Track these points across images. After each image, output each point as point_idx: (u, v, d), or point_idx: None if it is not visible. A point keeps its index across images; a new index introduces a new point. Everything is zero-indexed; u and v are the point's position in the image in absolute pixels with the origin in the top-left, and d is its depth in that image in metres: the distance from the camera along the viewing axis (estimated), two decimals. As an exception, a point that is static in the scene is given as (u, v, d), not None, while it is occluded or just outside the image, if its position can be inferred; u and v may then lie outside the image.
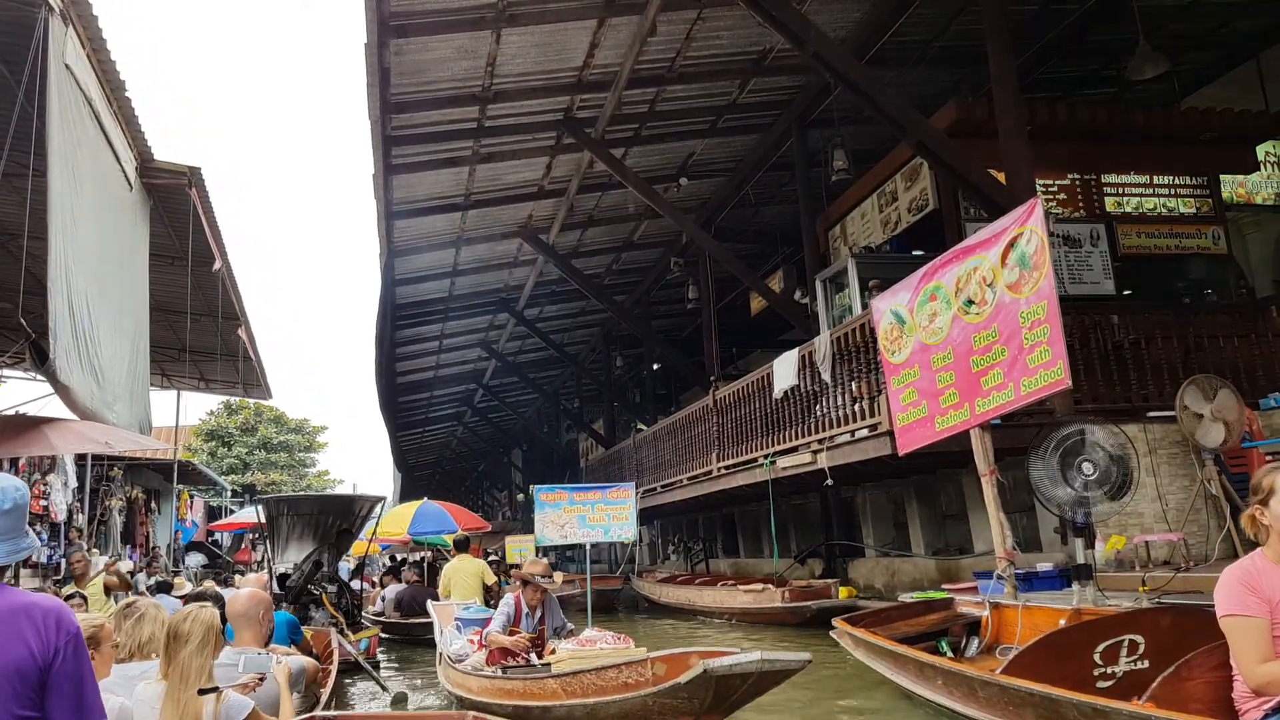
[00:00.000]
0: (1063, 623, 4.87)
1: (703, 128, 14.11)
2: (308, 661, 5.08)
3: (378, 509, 13.24)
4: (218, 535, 33.36)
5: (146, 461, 25.40)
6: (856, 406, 9.30)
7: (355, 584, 20.04)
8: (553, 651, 6.47)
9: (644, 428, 19.84)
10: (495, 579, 13.70)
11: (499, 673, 6.40)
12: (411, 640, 12.83)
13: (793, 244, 16.88)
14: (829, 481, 9.78)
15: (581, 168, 14.24)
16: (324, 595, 10.65)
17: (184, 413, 24.85)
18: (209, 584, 15.38)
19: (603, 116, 12.73)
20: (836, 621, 5.50)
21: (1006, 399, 5.90)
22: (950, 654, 5.38)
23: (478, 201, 14.96)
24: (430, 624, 12.64)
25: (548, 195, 15.34)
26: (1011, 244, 5.89)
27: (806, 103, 13.35)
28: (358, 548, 22.43)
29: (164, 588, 15.94)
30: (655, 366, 24.90)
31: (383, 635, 13.18)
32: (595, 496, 9.65)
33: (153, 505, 26.97)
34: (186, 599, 6.70)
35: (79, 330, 8.22)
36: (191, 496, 31.32)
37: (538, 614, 7.13)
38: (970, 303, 6.21)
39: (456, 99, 11.58)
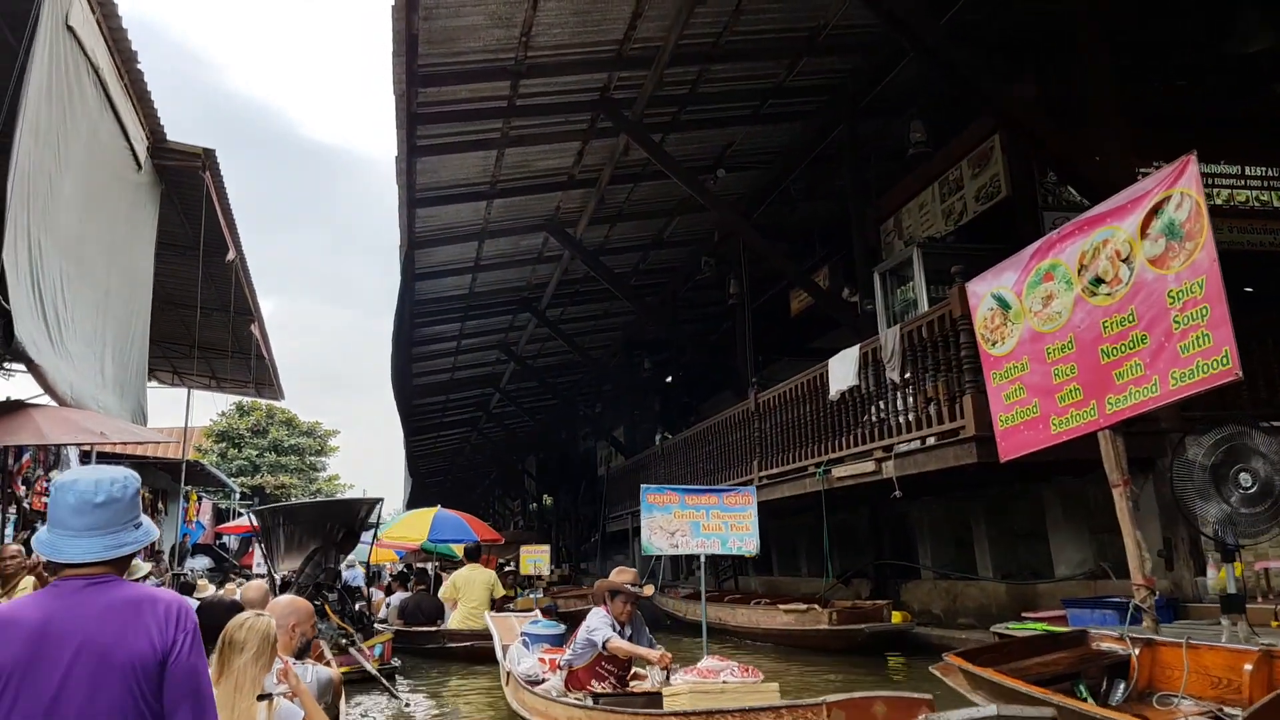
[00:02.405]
0: (1248, 668, 3.91)
1: (745, 113, 13.22)
2: (334, 673, 4.84)
3: (377, 511, 12.55)
4: (225, 538, 32.59)
5: (154, 460, 24.77)
6: (931, 409, 8.33)
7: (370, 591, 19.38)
8: (635, 676, 5.49)
9: (668, 435, 18.89)
10: (504, 591, 12.94)
11: (589, 701, 5.45)
12: (415, 649, 12.27)
13: (833, 243, 16.00)
14: (897, 493, 8.81)
15: (615, 155, 13.35)
16: (325, 604, 9.81)
17: (197, 413, 24.14)
18: (231, 588, 14.58)
19: (641, 97, 11.85)
20: (949, 656, 4.54)
21: (1149, 395, 4.94)
22: (1090, 700, 4.44)
23: (504, 190, 14.08)
24: (434, 633, 12.31)
25: (578, 185, 14.45)
26: (1155, 211, 4.96)
27: (858, 87, 12.47)
28: (377, 555, 21.77)
29: (186, 590, 15.19)
30: (680, 373, 24.05)
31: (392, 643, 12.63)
32: (710, 501, 8.56)
33: (160, 506, 26.24)
34: (201, 604, 5.95)
35: (47, 312, 7.42)
36: (200, 498, 30.54)
37: (627, 631, 6.15)
38: (1099, 281, 5.26)
39: (487, 72, 10.70)
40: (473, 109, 11.51)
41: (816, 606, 11.27)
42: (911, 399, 8.77)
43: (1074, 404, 5.43)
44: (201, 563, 27.25)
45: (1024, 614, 8.19)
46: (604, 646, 5.81)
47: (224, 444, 45.91)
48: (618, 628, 6.04)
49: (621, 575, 6.20)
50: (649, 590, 6.41)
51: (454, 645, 11.77)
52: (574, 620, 8.48)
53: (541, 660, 6.92)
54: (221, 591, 13.77)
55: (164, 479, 25.63)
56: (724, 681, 4.97)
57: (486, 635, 11.54)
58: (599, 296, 20.36)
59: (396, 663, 10.43)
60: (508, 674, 7.14)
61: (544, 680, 6.57)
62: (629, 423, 24.79)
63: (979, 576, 10.49)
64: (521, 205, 15.01)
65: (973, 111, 10.90)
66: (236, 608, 4.44)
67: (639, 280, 19.38)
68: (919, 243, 10.27)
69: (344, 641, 8.86)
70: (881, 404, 9.33)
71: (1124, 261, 5.11)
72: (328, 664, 5.64)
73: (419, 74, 10.30)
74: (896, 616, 10.83)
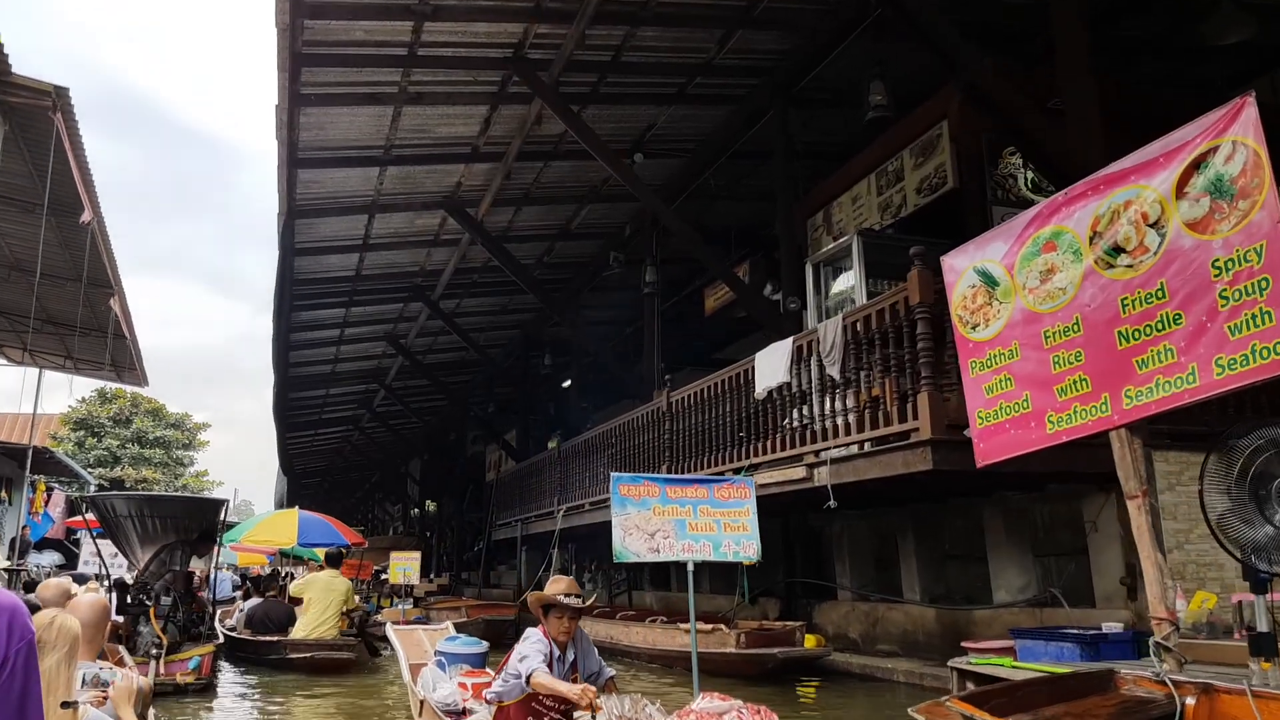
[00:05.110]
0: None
1: (670, 91, 12.22)
2: (144, 680, 4.62)
3: (223, 512, 11.62)
4: (79, 533, 30.03)
5: (-5, 444, 22.51)
6: (879, 410, 7.40)
7: (236, 595, 17.97)
8: (592, 708, 4.30)
9: (555, 443, 17.76)
10: (356, 601, 12.18)
11: None
12: (259, 660, 11.37)
13: (752, 244, 15.19)
14: (831, 503, 7.85)
15: (526, 125, 12.17)
16: (152, 609, 8.54)
17: (60, 399, 22.06)
18: (94, 586, 13.11)
19: (559, 59, 10.73)
20: (952, 701, 3.52)
21: (1184, 386, 4.04)
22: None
23: (400, 157, 12.74)
24: (275, 643, 11.15)
25: (482, 158, 13.19)
26: (1196, 165, 4.08)
27: (791, 72, 11.60)
28: (244, 559, 20.16)
29: (29, 588, 13.39)
30: (579, 377, 22.93)
31: (237, 653, 11.96)
32: (698, 494, 6.79)
33: (2, 495, 23.78)
34: None
35: None
36: (50, 489, 27.94)
37: (570, 655, 4.98)
38: (1117, 251, 4.36)
39: (387, 8, 9.43)
40: (368, 54, 10.20)
41: (723, 627, 10.30)
42: (853, 398, 7.83)
43: (1079, 397, 4.51)
44: (49, 559, 24.80)
45: (963, 644, 7.31)
46: (527, 682, 4.59)
47: (82, 432, 42.51)
48: (556, 652, 4.85)
49: (555, 585, 4.98)
50: (591, 602, 5.19)
51: (294, 656, 10.72)
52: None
53: (462, 685, 5.68)
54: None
55: (8, 465, 23.25)
56: None
57: (332, 646, 10.85)
58: (498, 289, 19.11)
59: (220, 677, 9.77)
60: (420, 702, 5.89)
61: (466, 711, 5.36)
62: (522, 427, 23.49)
63: (904, 599, 9.63)
64: (419, 177, 13.68)
65: (918, 97, 10.15)
66: (34, 608, 3.76)
67: (543, 274, 18.15)
68: (860, 231, 9.41)
69: (154, 652, 7.69)
70: (816, 403, 8.36)
71: (1152, 226, 4.22)
72: (129, 669, 5.19)
73: (306, 2, 8.97)
74: (810, 640, 9.95)
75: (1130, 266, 4.31)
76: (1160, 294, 4.18)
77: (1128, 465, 4.32)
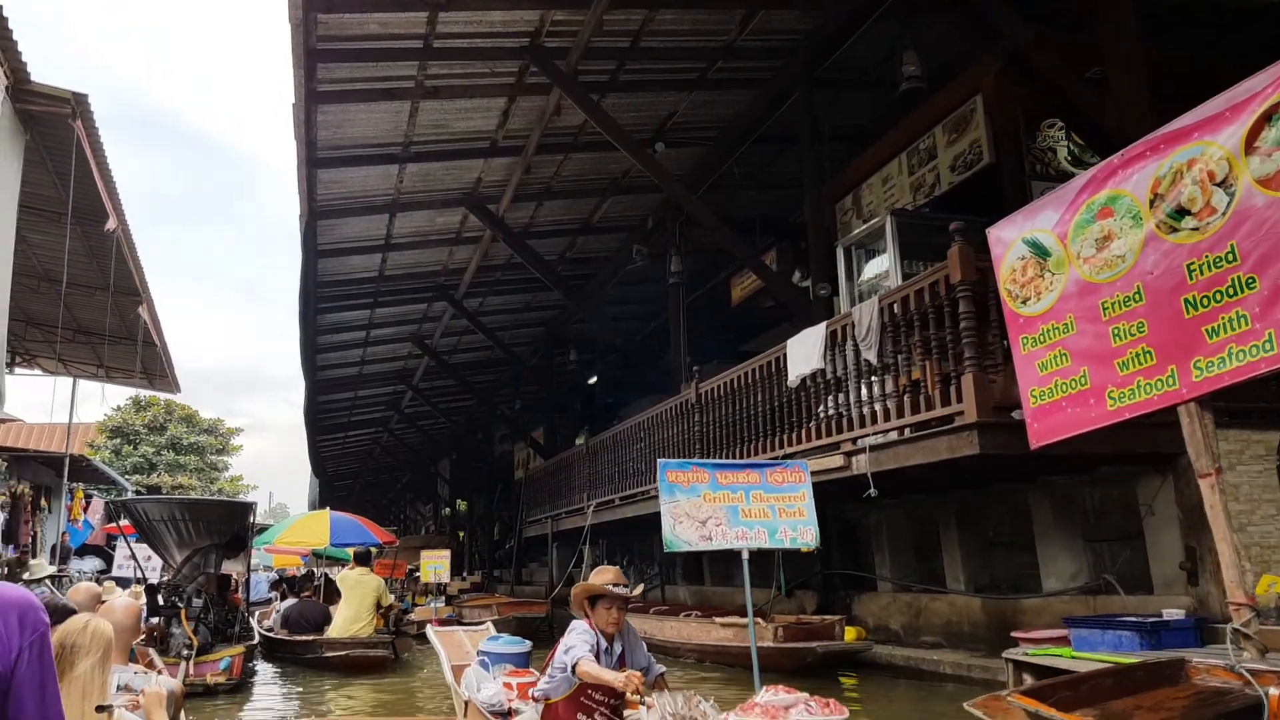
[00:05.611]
0: None
1: (691, 76, 11.97)
2: (175, 684, 4.62)
3: (250, 516, 11.68)
4: (118, 539, 30.33)
5: (35, 454, 22.65)
6: (920, 394, 7.12)
7: (273, 596, 18.10)
8: (640, 705, 4.12)
9: (583, 439, 17.58)
10: (391, 599, 12.12)
11: None
12: (296, 660, 11.47)
13: (777, 232, 14.88)
14: (872, 492, 7.57)
15: (545, 117, 11.95)
16: (184, 611, 8.53)
17: (92, 407, 22.25)
18: (136, 590, 13.25)
19: (577, 46, 10.51)
20: (1014, 696, 3.25)
21: (1260, 354, 3.76)
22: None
23: (419, 154, 12.57)
24: (311, 643, 11.19)
25: (502, 152, 13.00)
26: (1267, 118, 3.79)
27: (813, 52, 11.31)
28: (278, 560, 20.31)
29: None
30: (605, 373, 22.76)
31: (275, 653, 12.12)
32: (749, 479, 6.53)
33: (42, 503, 23.93)
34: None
35: None
36: (88, 496, 28.19)
37: (617, 648, 4.79)
38: (1181, 213, 4.08)
39: (400, -1, 9.25)
40: (383, 48, 10.03)
41: (759, 620, 10.06)
42: (891, 382, 7.55)
43: (1142, 371, 4.23)
44: (90, 564, 25.05)
45: (1013, 634, 7.02)
46: (573, 671, 4.44)
47: (118, 440, 42.91)
48: (603, 644, 4.67)
49: (601, 575, 4.81)
50: (638, 591, 5.02)
51: (330, 655, 10.76)
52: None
53: (507, 685, 5.52)
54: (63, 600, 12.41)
55: (47, 474, 23.42)
56: None
57: (367, 644, 10.87)
58: (522, 286, 18.93)
59: (254, 677, 9.96)
60: (465, 704, 5.76)
61: (513, 712, 5.19)
62: (549, 424, 23.34)
63: (948, 589, 9.33)
64: (438, 174, 13.51)
65: (945, 75, 9.84)
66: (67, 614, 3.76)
67: (566, 269, 17.98)
68: (893, 211, 9.11)
69: (185, 653, 7.68)
70: (853, 389, 8.08)
71: (1219, 185, 3.93)
72: (160, 672, 5.04)
73: (318, -3, 8.80)
74: (850, 633, 9.69)
75: (1196, 229, 4.03)
76: (1231, 257, 3.89)
77: (1199, 441, 4.03)
